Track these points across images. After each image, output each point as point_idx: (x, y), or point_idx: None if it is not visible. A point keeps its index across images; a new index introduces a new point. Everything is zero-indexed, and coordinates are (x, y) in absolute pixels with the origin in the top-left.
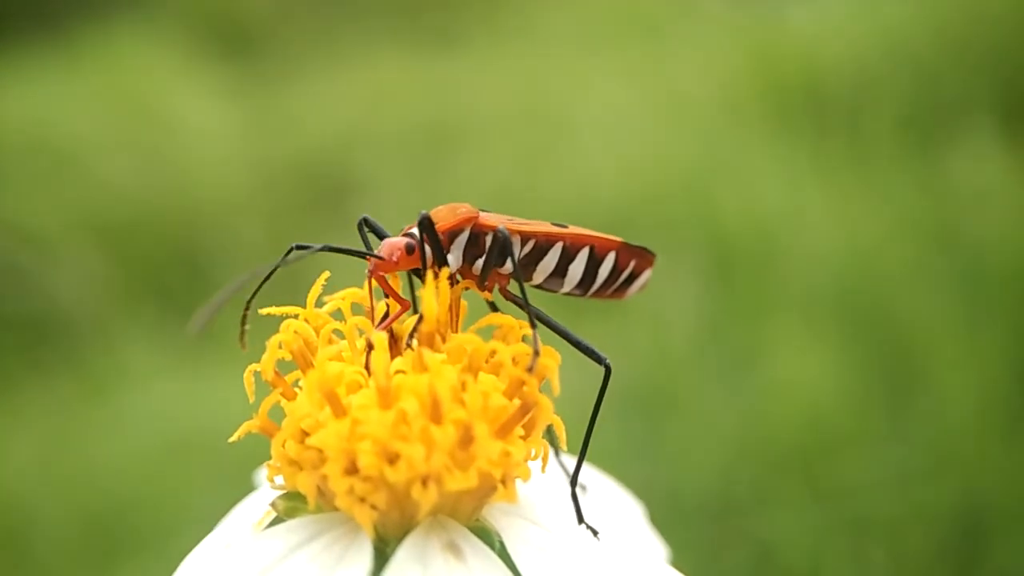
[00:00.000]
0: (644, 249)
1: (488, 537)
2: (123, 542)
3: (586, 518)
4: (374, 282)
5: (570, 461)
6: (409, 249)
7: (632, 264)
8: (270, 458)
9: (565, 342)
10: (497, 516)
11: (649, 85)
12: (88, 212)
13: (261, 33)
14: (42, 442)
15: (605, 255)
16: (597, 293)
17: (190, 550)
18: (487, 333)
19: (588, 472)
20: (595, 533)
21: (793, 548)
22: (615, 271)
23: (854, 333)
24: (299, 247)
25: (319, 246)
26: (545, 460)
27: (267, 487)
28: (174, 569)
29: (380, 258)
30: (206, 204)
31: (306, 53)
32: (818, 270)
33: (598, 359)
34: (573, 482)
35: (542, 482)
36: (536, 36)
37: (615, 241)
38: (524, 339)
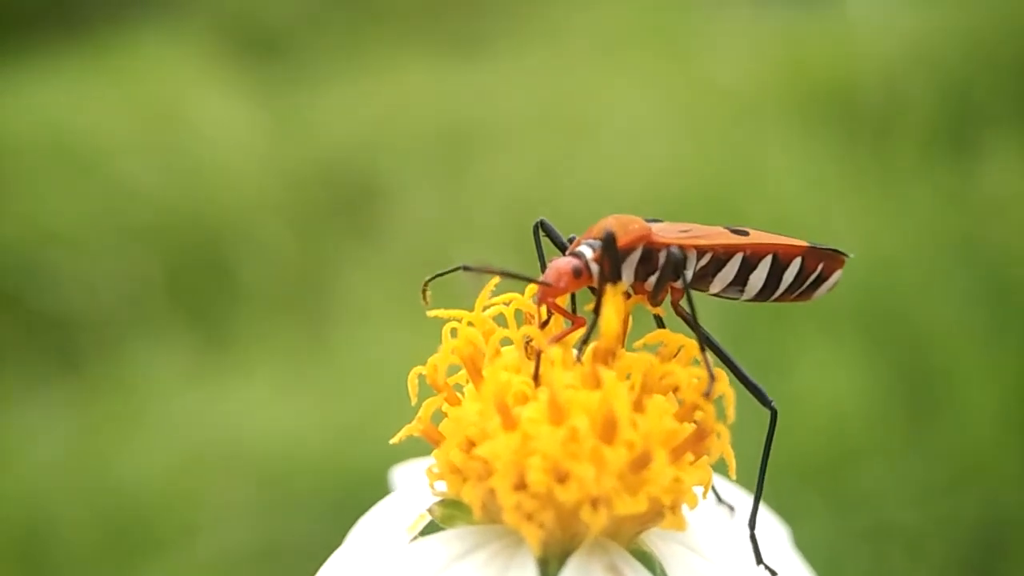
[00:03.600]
0: (834, 250)
1: (649, 562)
2: (143, 545)
3: (765, 559)
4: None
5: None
6: (576, 272)
7: (820, 267)
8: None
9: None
10: (656, 542)
11: (673, 92)
12: (112, 215)
13: (286, 37)
14: (64, 444)
15: (790, 262)
16: (780, 298)
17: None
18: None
19: (734, 492)
20: (774, 574)
21: (813, 557)
22: (800, 276)
23: (876, 343)
24: (465, 268)
25: (496, 268)
26: (707, 488)
27: (402, 489)
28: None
29: (548, 284)
30: (230, 208)
31: (331, 57)
32: (841, 279)
33: (765, 401)
34: (752, 524)
35: (699, 509)
36: (560, 42)
37: (801, 246)
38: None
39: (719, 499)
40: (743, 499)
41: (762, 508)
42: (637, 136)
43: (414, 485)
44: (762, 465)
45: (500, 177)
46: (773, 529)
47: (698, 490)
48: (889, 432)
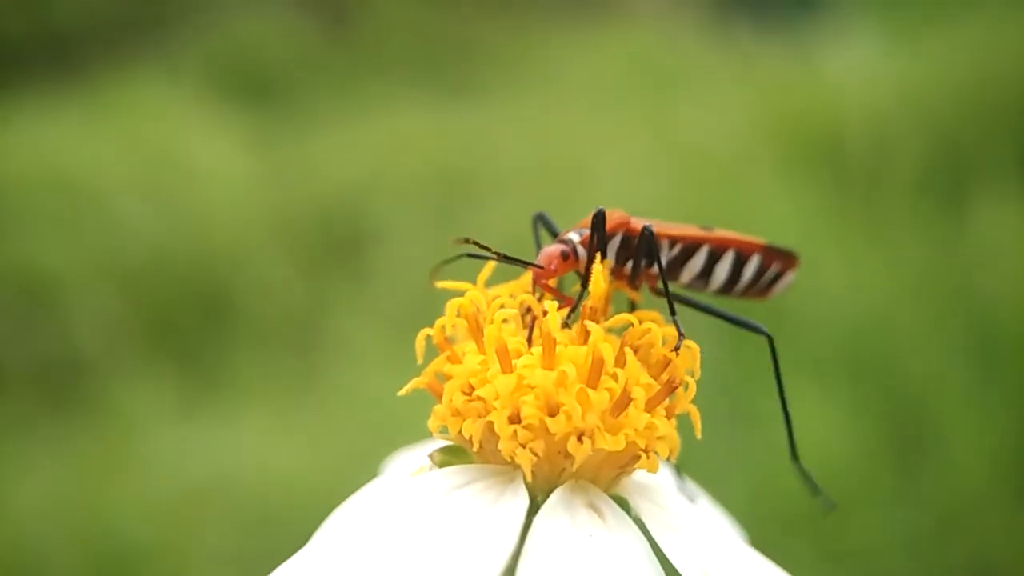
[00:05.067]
0: (788, 252)
1: (625, 506)
2: None
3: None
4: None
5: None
6: (564, 256)
7: (776, 266)
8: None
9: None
10: (632, 495)
11: (666, 138)
12: (105, 255)
13: (281, 80)
14: (55, 485)
15: (750, 256)
16: (743, 293)
17: None
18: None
19: (692, 488)
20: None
21: None
22: (759, 272)
23: (865, 392)
24: (470, 255)
25: (493, 252)
26: (675, 449)
27: (388, 474)
28: None
29: (540, 267)
30: (223, 249)
31: (326, 101)
32: (830, 328)
33: (757, 330)
34: (793, 455)
35: (665, 481)
36: (555, 88)
37: (759, 244)
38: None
39: (680, 489)
40: (701, 494)
41: (722, 511)
42: (629, 181)
43: (408, 465)
44: (778, 388)
45: (493, 221)
46: (730, 527)
47: (667, 452)
48: (878, 481)
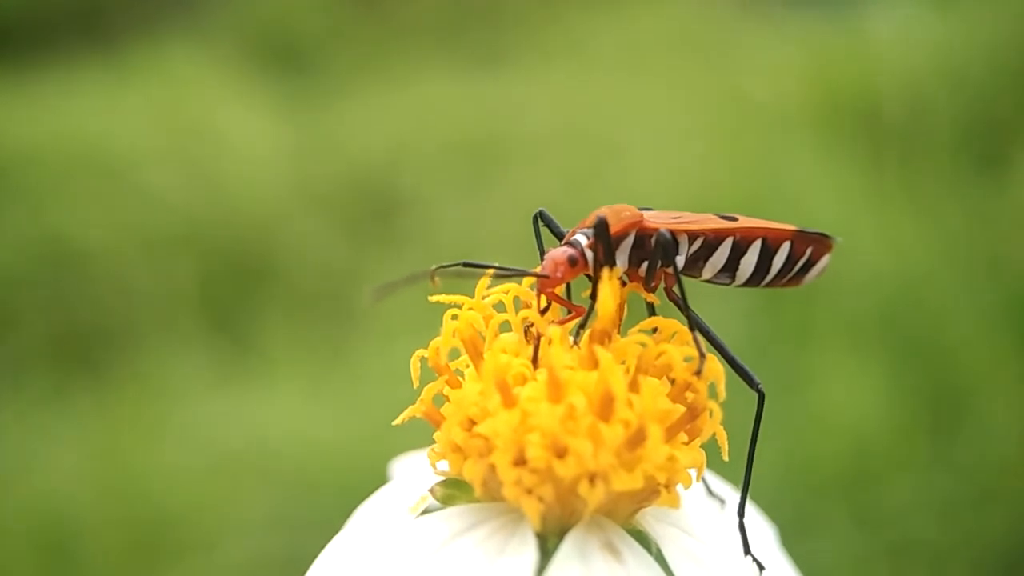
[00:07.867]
0: (821, 235)
1: (645, 541)
2: (167, 551)
3: (753, 551)
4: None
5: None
6: (572, 261)
7: (809, 251)
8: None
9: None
10: (652, 523)
11: (698, 105)
12: (138, 225)
13: (311, 50)
14: (91, 453)
15: (779, 246)
16: (771, 283)
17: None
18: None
19: (723, 488)
20: (761, 568)
21: (837, 573)
22: (790, 261)
23: (901, 359)
24: (466, 264)
25: (490, 265)
26: (701, 469)
27: (402, 477)
28: None
29: (546, 276)
30: (255, 219)
31: (355, 70)
32: (866, 294)
33: (752, 383)
34: (741, 513)
35: (692, 493)
36: (584, 55)
37: (789, 230)
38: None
39: (710, 492)
40: (733, 495)
41: (751, 506)
42: (662, 149)
43: (414, 473)
44: (750, 450)
45: (525, 189)
46: (760, 527)
47: (692, 472)
48: (913, 448)
